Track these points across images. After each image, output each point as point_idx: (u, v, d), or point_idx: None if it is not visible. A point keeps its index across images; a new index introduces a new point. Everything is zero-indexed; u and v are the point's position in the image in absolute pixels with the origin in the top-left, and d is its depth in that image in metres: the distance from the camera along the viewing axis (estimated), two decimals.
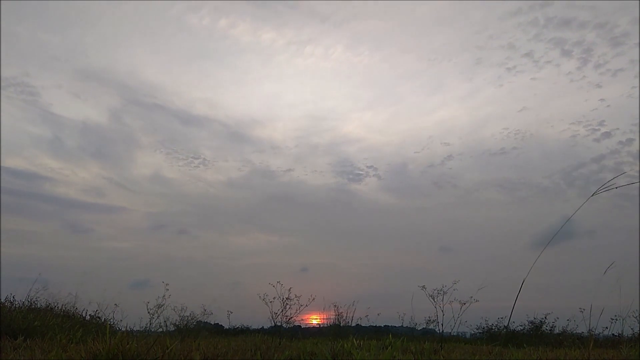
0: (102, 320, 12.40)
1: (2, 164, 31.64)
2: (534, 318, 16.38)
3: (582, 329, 12.77)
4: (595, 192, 3.70)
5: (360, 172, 40.67)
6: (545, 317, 16.22)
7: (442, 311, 11.01)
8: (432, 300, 11.09)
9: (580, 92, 36.46)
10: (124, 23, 38.10)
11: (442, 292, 10.93)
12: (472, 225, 39.51)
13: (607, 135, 35.78)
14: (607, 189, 3.63)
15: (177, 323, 14.47)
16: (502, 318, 16.46)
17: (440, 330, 11.56)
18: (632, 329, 13.06)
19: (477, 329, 17.48)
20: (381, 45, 42.35)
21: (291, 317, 12.70)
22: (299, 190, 42.25)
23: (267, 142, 42.88)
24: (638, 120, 33.93)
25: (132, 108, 39.43)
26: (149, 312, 12.44)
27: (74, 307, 12.37)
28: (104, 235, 36.37)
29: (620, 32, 34.25)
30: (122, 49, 39.75)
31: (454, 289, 10.75)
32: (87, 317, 12.41)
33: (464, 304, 10.59)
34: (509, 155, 38.93)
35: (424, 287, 11.29)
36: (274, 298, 12.29)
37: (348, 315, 14.37)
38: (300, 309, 12.51)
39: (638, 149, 33.55)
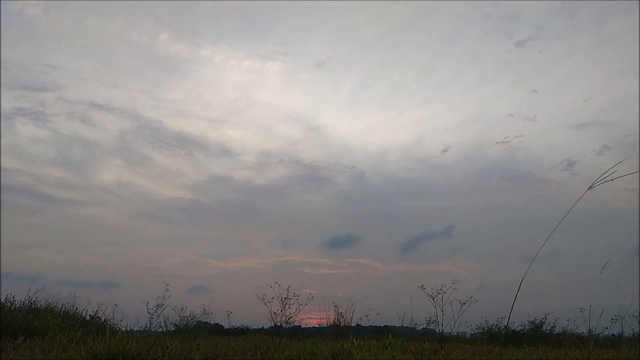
0: (102, 320, 12.40)
1: (4, 166, 32.89)
2: (534, 318, 16.35)
3: (582, 329, 12.78)
4: (592, 184, 3.68)
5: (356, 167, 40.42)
6: (545, 317, 16.23)
7: (442, 311, 11.02)
8: (431, 300, 11.11)
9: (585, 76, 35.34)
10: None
11: (441, 292, 10.94)
12: (472, 222, 39.23)
13: (612, 125, 34.69)
14: (603, 181, 3.60)
15: (177, 323, 14.45)
16: (502, 318, 16.44)
17: (440, 330, 11.58)
18: (632, 329, 13.07)
19: (477, 329, 17.48)
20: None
21: (291, 317, 12.73)
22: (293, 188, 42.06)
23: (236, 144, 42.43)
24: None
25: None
26: (148, 312, 12.42)
27: (74, 307, 12.39)
28: (99, 235, 36.69)
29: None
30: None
31: (454, 289, 10.76)
32: (87, 317, 12.41)
33: (464, 303, 10.60)
34: (511, 144, 37.60)
35: (422, 287, 11.32)
36: (272, 298, 12.31)
37: (348, 315, 14.36)
38: (300, 308, 12.55)
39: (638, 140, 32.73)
